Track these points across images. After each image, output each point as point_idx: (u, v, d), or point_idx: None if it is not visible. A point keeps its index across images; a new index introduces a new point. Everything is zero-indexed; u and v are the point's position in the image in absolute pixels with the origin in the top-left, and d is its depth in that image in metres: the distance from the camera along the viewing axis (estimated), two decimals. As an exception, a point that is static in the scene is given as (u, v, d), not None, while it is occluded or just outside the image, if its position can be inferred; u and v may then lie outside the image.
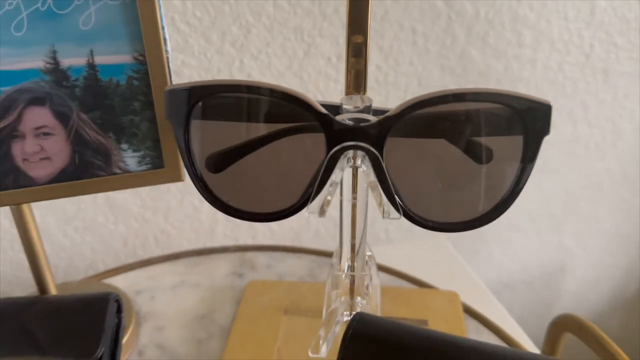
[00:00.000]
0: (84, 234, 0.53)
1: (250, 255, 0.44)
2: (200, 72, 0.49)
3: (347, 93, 0.27)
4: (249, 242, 0.58)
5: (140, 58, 0.29)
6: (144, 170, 0.31)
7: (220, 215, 0.56)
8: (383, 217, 0.24)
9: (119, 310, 0.32)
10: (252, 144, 0.26)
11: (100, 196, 0.52)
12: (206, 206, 0.56)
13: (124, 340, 0.35)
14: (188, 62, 0.49)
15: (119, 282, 0.41)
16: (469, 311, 0.38)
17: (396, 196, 0.24)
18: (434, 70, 0.55)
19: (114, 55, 0.29)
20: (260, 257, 0.44)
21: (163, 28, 0.29)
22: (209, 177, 0.26)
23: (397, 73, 0.54)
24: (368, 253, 0.31)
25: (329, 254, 0.44)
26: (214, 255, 0.44)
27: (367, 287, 0.30)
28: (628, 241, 0.74)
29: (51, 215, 0.51)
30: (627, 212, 0.71)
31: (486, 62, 0.56)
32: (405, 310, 0.38)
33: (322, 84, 0.53)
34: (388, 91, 0.55)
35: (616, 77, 0.60)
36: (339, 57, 0.52)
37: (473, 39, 0.54)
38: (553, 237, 0.71)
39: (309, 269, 0.43)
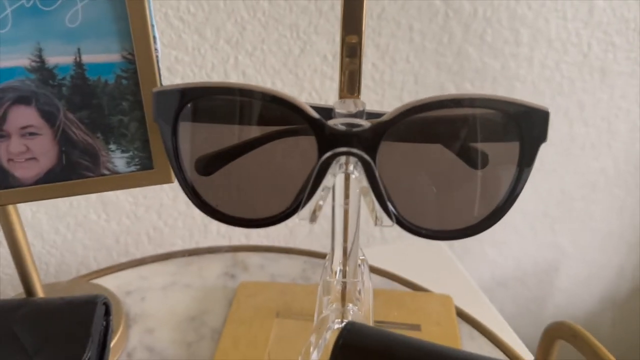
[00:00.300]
0: (76, 231, 0.53)
1: (242, 255, 0.43)
2: (193, 69, 0.49)
3: (341, 94, 0.26)
4: (243, 240, 0.58)
5: (129, 57, 0.28)
6: (133, 171, 0.30)
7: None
8: (375, 224, 0.24)
9: (107, 313, 0.32)
10: (242, 147, 0.25)
11: (92, 193, 0.51)
12: (199, 203, 0.55)
13: (113, 342, 0.34)
14: (181, 58, 0.48)
15: (110, 282, 0.40)
16: (463, 315, 0.38)
17: (389, 203, 0.24)
18: (431, 68, 0.54)
19: (102, 54, 0.28)
20: (253, 258, 0.43)
21: (153, 26, 0.28)
22: (197, 181, 0.25)
23: (394, 71, 0.54)
24: (361, 257, 0.30)
25: (322, 255, 0.44)
26: (206, 256, 0.43)
27: (359, 292, 0.29)
28: (621, 240, 0.74)
29: (43, 212, 0.51)
30: (621, 212, 0.71)
31: (483, 60, 0.55)
32: (398, 314, 0.37)
33: (317, 82, 0.52)
34: (384, 89, 0.54)
35: (613, 77, 0.59)
36: (335, 55, 0.51)
37: (470, 37, 0.53)
38: (547, 236, 0.71)
39: (301, 270, 0.42)
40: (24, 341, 0.29)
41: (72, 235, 0.53)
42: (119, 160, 0.30)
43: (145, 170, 0.31)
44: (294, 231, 0.60)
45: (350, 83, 0.26)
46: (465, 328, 0.37)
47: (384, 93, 0.55)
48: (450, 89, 0.56)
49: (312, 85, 0.52)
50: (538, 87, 0.58)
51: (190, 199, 0.25)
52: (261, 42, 0.49)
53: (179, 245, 0.56)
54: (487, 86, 0.57)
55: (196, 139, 0.25)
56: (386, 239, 0.63)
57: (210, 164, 0.25)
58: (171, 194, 0.53)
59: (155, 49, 0.28)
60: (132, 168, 0.30)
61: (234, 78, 0.50)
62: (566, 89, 0.59)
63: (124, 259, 0.54)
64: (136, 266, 0.42)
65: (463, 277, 0.50)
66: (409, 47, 0.53)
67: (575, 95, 0.60)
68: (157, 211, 0.54)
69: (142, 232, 0.54)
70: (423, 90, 0.55)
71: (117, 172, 0.30)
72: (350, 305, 0.28)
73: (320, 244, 0.61)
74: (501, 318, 0.45)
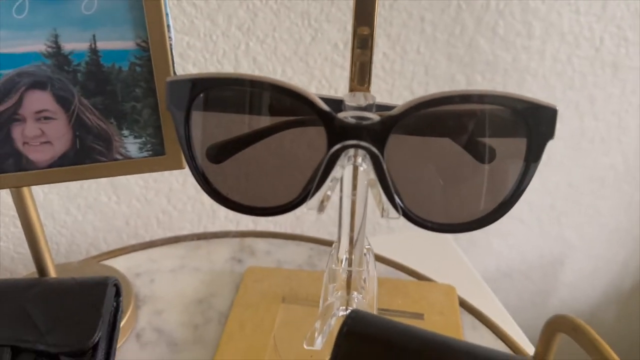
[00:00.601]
0: (87, 212, 0.53)
1: (250, 241, 0.44)
2: (205, 55, 0.49)
3: (352, 84, 0.27)
4: (250, 225, 0.59)
5: (143, 44, 0.29)
6: (145, 157, 0.31)
7: (222, 197, 0.56)
8: (382, 216, 0.24)
9: (117, 294, 0.32)
10: (252, 137, 0.25)
11: (103, 176, 0.52)
12: (208, 188, 0.56)
13: (123, 322, 0.35)
14: (193, 44, 0.48)
15: (120, 264, 0.41)
16: (465, 305, 0.38)
17: (395, 196, 0.24)
18: (442, 59, 0.54)
19: (116, 41, 0.29)
20: (260, 244, 0.44)
21: (167, 15, 0.28)
22: (209, 169, 0.26)
23: (404, 61, 0.54)
24: (366, 246, 0.31)
25: (328, 243, 0.44)
26: (215, 240, 0.44)
27: (364, 281, 0.30)
28: (627, 236, 0.74)
29: (54, 193, 0.52)
30: (628, 207, 0.71)
31: (494, 52, 0.55)
32: (401, 302, 0.38)
33: (328, 70, 0.52)
34: (394, 79, 0.54)
35: (625, 72, 0.59)
36: (346, 44, 0.51)
37: (482, 29, 0.53)
38: (553, 229, 0.71)
39: (307, 257, 0.43)
40: (37, 320, 0.30)
41: (83, 217, 0.54)
42: (131, 146, 0.31)
43: (157, 156, 0.31)
44: (301, 218, 0.61)
45: (361, 74, 0.27)
46: (468, 318, 0.38)
47: (394, 82, 0.55)
48: (461, 81, 0.56)
49: (323, 73, 0.53)
50: (549, 80, 0.58)
51: (201, 186, 0.26)
52: (272, 30, 0.49)
53: (187, 229, 0.57)
54: (497, 79, 0.57)
55: (208, 127, 0.25)
56: (392, 227, 0.64)
57: (221, 152, 0.26)
58: (180, 178, 0.54)
59: (169, 37, 0.29)
60: (144, 154, 0.31)
61: (245, 65, 0.51)
62: (577, 83, 0.59)
63: (133, 241, 0.55)
64: (146, 248, 0.43)
65: (467, 268, 0.50)
66: (420, 38, 0.53)
67: (587, 89, 0.60)
68: (167, 195, 0.54)
69: (152, 216, 0.55)
70: (433, 81, 0.55)
71: (129, 157, 0.31)
72: (355, 293, 0.29)
73: (326, 231, 0.62)
74: (503, 309, 0.45)
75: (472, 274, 0.50)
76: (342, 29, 0.50)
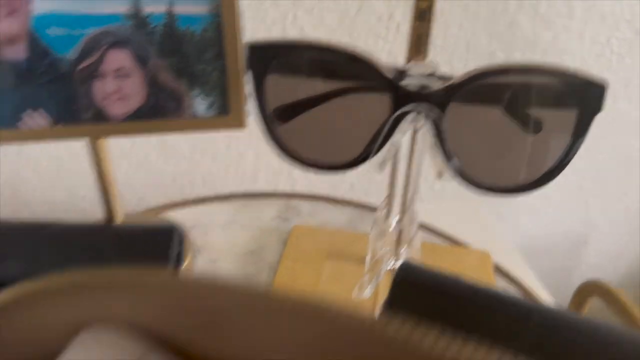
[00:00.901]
0: (137, 170, 0.56)
1: (294, 202, 0.47)
2: (254, 24, 0.51)
3: (409, 53, 0.28)
4: (288, 191, 0.61)
5: (216, 10, 0.31)
6: (211, 115, 0.33)
7: (263, 163, 0.59)
8: (438, 177, 0.27)
9: (180, 241, 0.35)
10: (320, 99, 0.28)
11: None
12: (250, 153, 0.58)
13: (183, 268, 0.38)
14: (243, 12, 0.50)
15: (174, 217, 0.44)
16: (499, 271, 0.41)
17: (455, 159, 0.26)
18: (482, 35, 0.55)
19: (191, 6, 0.31)
20: (305, 205, 0.46)
21: (240, -17, 0.30)
22: (278, 127, 0.28)
23: (446, 36, 0.55)
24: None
25: (368, 207, 0.47)
26: (261, 199, 0.47)
27: (411, 240, 0.32)
28: (653, 220, 0.75)
29: (106, 150, 0.55)
30: (657, 191, 0.72)
31: (535, 31, 0.56)
32: (437, 266, 0.40)
33: (371, 42, 0.54)
34: (435, 54, 0.56)
35: (664, 55, 0.60)
36: (390, 17, 0.53)
37: (525, 7, 0.54)
38: (580, 209, 0.72)
39: (349, 219, 0.45)
40: (110, 262, 0.33)
41: (133, 173, 0.56)
42: (199, 105, 0.33)
43: (221, 115, 0.34)
44: (335, 186, 0.63)
45: (417, 45, 0.28)
46: (501, 284, 0.40)
47: (435, 57, 0.55)
48: (500, 58, 0.57)
49: (366, 44, 0.54)
50: (587, 61, 0.59)
51: (270, 142, 0.28)
52: (320, 1, 0.51)
53: (230, 190, 0.60)
54: (536, 58, 0.58)
55: (280, 88, 0.27)
56: (421, 198, 0.66)
57: (291, 112, 0.28)
58: (226, 140, 0.56)
59: (238, 5, 0.31)
60: (211, 112, 0.33)
61: (292, 34, 0.52)
62: (615, 65, 0.60)
63: (178, 199, 0.58)
64: (197, 204, 0.46)
65: (500, 237, 0.52)
66: (463, 14, 0.54)
67: (623, 72, 0.60)
68: (212, 157, 0.57)
69: (198, 176, 0.58)
70: (473, 57, 0.56)
71: (197, 116, 0.33)
72: (404, 248, 0.31)
73: (359, 199, 0.64)
74: (534, 277, 0.47)
75: (505, 242, 0.51)
76: (387, 1, 0.52)
